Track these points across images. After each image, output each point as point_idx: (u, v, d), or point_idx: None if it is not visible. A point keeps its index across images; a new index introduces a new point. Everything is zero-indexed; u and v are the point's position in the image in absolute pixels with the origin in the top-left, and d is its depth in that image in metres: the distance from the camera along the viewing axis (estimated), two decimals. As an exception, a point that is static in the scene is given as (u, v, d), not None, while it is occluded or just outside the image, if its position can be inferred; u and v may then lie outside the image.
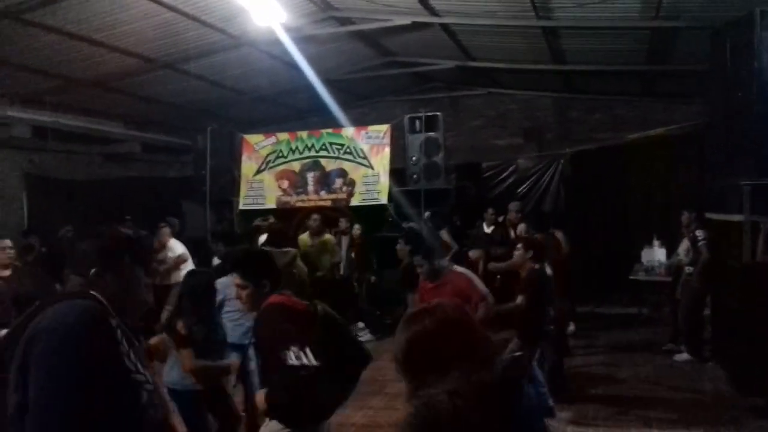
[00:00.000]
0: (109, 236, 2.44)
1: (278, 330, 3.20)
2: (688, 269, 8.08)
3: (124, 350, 2.07)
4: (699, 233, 7.88)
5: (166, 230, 9.23)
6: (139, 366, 2.10)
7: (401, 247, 7.18)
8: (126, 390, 2.06)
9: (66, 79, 9.70)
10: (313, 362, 3.06)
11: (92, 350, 1.98)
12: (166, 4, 7.89)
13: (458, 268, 5.61)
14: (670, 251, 9.27)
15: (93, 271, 2.25)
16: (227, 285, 4.88)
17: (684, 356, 7.99)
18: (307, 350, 3.07)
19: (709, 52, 7.05)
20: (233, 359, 4.56)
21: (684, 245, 8.43)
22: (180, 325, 4.33)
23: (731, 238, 6.89)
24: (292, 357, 3.05)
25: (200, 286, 4.60)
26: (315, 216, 9.72)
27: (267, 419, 3.37)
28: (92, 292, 2.16)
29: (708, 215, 7.78)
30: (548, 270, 6.27)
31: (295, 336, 3.12)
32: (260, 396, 3.35)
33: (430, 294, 5.14)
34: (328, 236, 9.76)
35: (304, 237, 9.61)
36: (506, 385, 1.77)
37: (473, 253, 8.35)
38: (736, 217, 6.56)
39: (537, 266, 6.09)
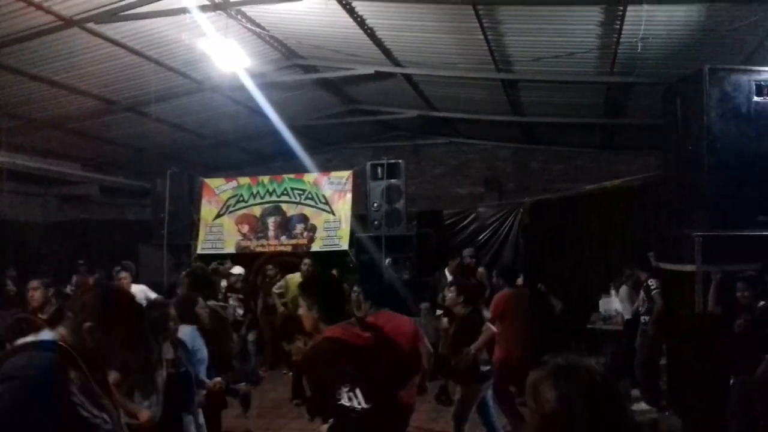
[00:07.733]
0: (97, 290, 2.49)
1: (331, 366, 3.14)
2: (644, 318, 8.16)
3: (78, 400, 2.19)
4: (651, 282, 7.97)
5: (126, 276, 9.01)
6: (95, 411, 2.24)
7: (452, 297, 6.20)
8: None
9: (24, 119, 9.56)
10: (363, 404, 3.01)
11: (43, 399, 2.13)
12: (130, 47, 7.89)
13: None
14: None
15: (73, 320, 2.30)
16: (186, 333, 4.81)
17: (642, 405, 8.00)
18: (358, 391, 3.01)
19: (663, 107, 7.27)
20: (143, 411, 4.38)
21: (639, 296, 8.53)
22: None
23: (684, 288, 6.98)
24: (344, 396, 3.02)
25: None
26: (269, 266, 9.73)
27: None
28: (60, 342, 2.25)
29: (662, 265, 7.89)
30: (486, 314, 6.22)
31: (346, 374, 3.07)
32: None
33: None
34: None
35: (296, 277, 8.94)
36: None
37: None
38: (689, 267, 6.67)
39: (468, 310, 6.06)
